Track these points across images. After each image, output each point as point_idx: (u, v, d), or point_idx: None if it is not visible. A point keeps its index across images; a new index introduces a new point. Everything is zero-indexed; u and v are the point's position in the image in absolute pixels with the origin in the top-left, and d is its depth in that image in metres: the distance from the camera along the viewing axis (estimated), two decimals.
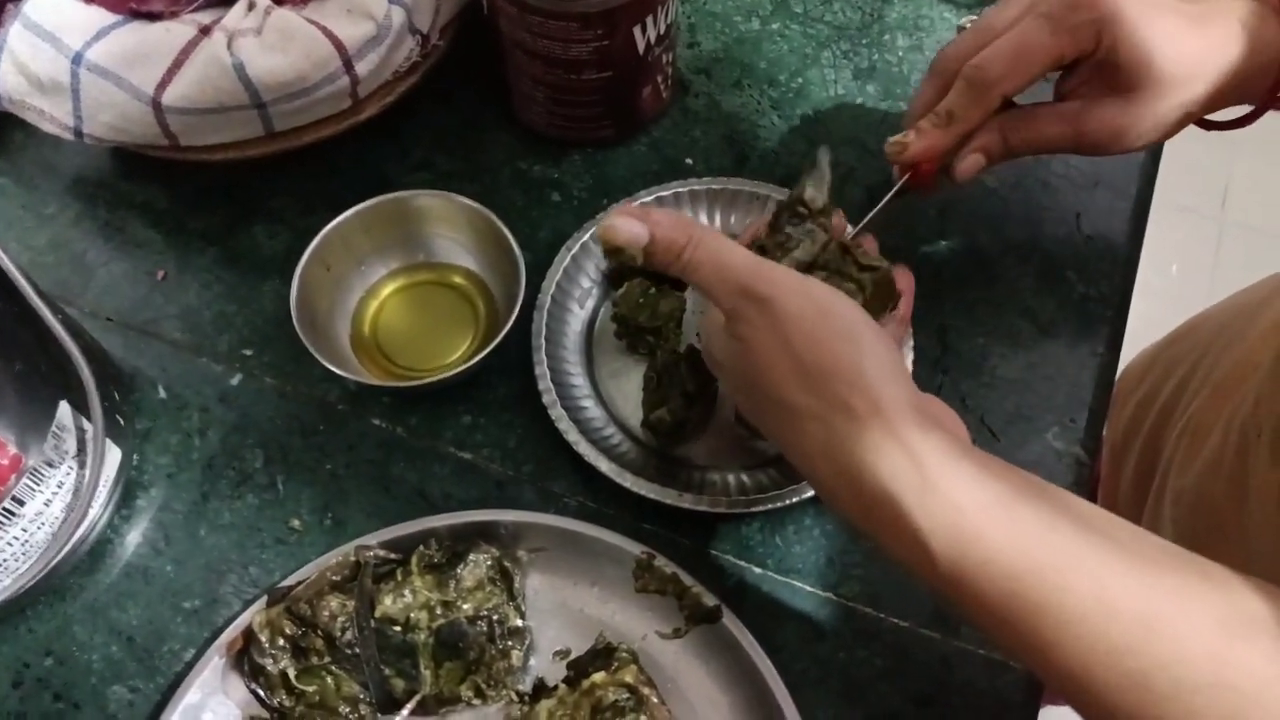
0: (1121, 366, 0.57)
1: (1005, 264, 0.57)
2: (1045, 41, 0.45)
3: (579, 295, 0.56)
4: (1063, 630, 0.33)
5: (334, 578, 0.46)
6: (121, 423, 0.50)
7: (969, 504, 0.35)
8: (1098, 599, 0.33)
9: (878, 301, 0.46)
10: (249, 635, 0.45)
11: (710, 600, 0.46)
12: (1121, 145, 0.47)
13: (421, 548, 0.47)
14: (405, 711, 0.45)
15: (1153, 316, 0.79)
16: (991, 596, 0.34)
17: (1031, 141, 0.48)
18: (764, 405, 0.39)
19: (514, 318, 0.51)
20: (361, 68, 0.54)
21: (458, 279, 0.56)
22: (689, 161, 0.61)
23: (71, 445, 0.47)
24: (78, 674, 0.48)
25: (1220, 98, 0.46)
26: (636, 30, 0.54)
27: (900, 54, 0.64)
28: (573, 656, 0.47)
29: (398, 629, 0.45)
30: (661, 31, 0.55)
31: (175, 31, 0.52)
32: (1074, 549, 0.34)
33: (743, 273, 0.39)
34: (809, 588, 0.49)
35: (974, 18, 0.64)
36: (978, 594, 0.34)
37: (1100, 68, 0.46)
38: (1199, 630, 0.32)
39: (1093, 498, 0.67)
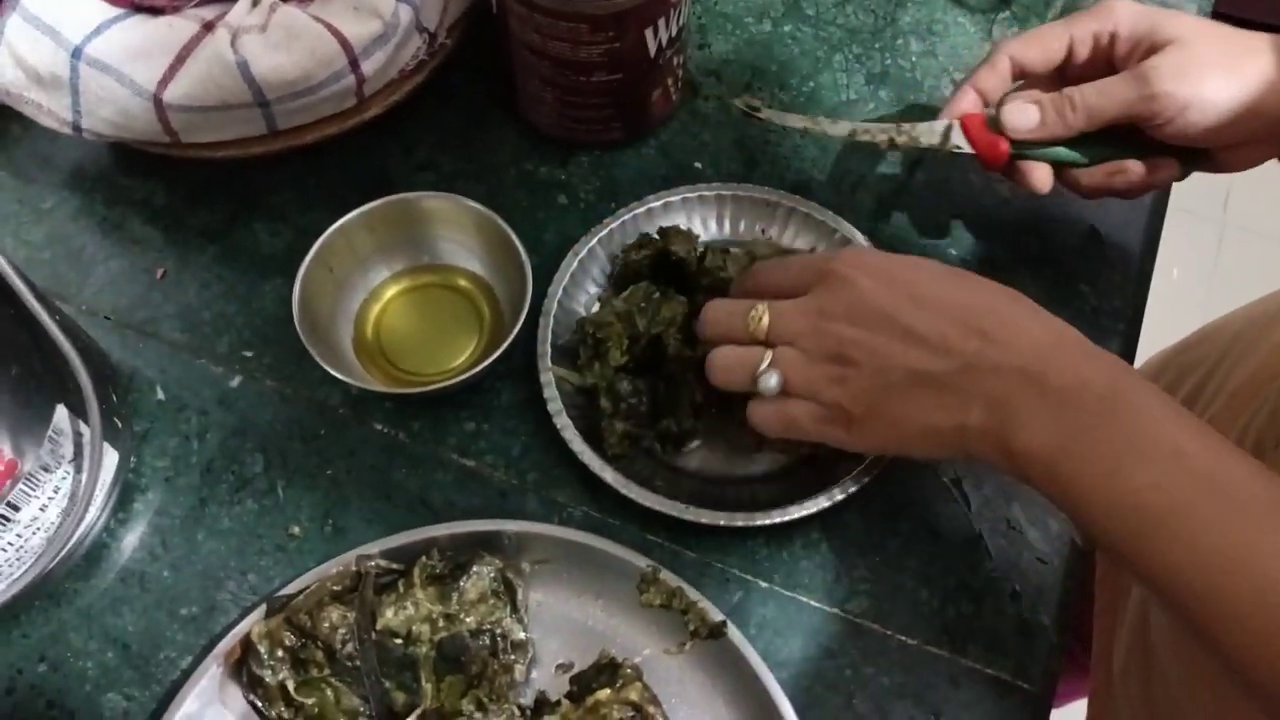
0: None
1: (1018, 275, 0.56)
2: (1056, 24, 0.49)
3: (585, 300, 0.55)
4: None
5: (334, 588, 0.45)
6: (119, 425, 0.49)
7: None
8: None
9: None
10: (247, 645, 0.45)
11: (715, 615, 0.46)
12: (1194, 114, 0.46)
13: (424, 558, 0.46)
14: None
15: (1153, 320, 0.79)
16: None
17: (1094, 103, 0.47)
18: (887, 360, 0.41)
19: (520, 323, 0.50)
20: (367, 66, 0.53)
21: (462, 282, 0.56)
22: (698, 165, 0.60)
23: (68, 449, 0.46)
24: (72, 681, 0.47)
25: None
26: (648, 32, 0.53)
27: (914, 59, 0.63)
28: (576, 671, 0.46)
29: (399, 641, 0.45)
30: (673, 34, 0.54)
31: (178, 27, 0.51)
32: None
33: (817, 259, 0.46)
34: (816, 603, 0.48)
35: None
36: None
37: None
38: None
39: None
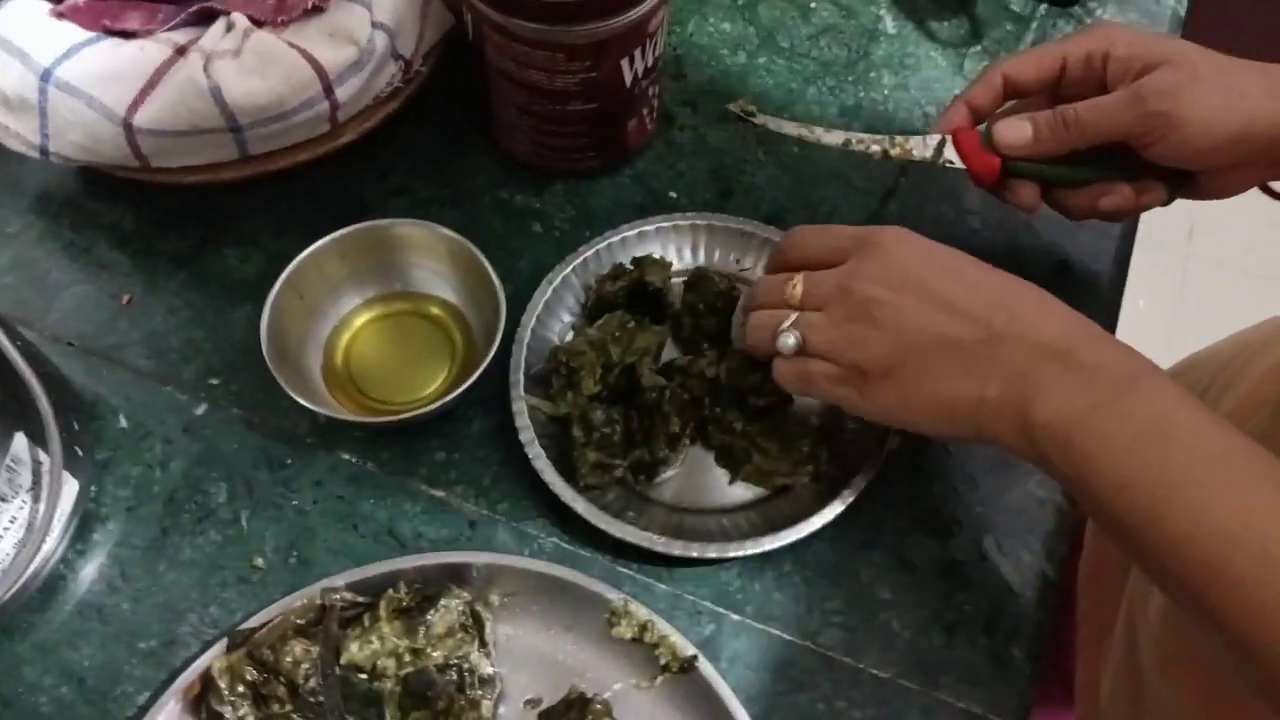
0: None
1: None
2: (1049, 44, 0.50)
3: (559, 329, 0.55)
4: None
5: (298, 621, 0.45)
6: (80, 454, 0.48)
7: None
8: None
9: None
10: (207, 681, 0.44)
11: (687, 649, 0.45)
12: (1188, 133, 0.46)
13: (390, 591, 0.45)
14: None
15: None
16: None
17: (1088, 120, 0.47)
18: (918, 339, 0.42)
19: (493, 351, 0.50)
20: (342, 93, 0.52)
21: (435, 310, 0.55)
22: (673, 195, 0.60)
23: (26, 478, 0.45)
24: (25, 717, 0.46)
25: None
26: (624, 62, 0.53)
27: (886, 92, 0.64)
28: (544, 706, 0.45)
29: (364, 677, 0.44)
30: (649, 64, 0.55)
31: (149, 51, 0.51)
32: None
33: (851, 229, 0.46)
34: (788, 636, 0.48)
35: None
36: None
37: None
38: None
39: (1079, 542, 0.66)
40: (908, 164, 0.54)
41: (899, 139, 0.53)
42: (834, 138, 0.53)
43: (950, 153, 0.51)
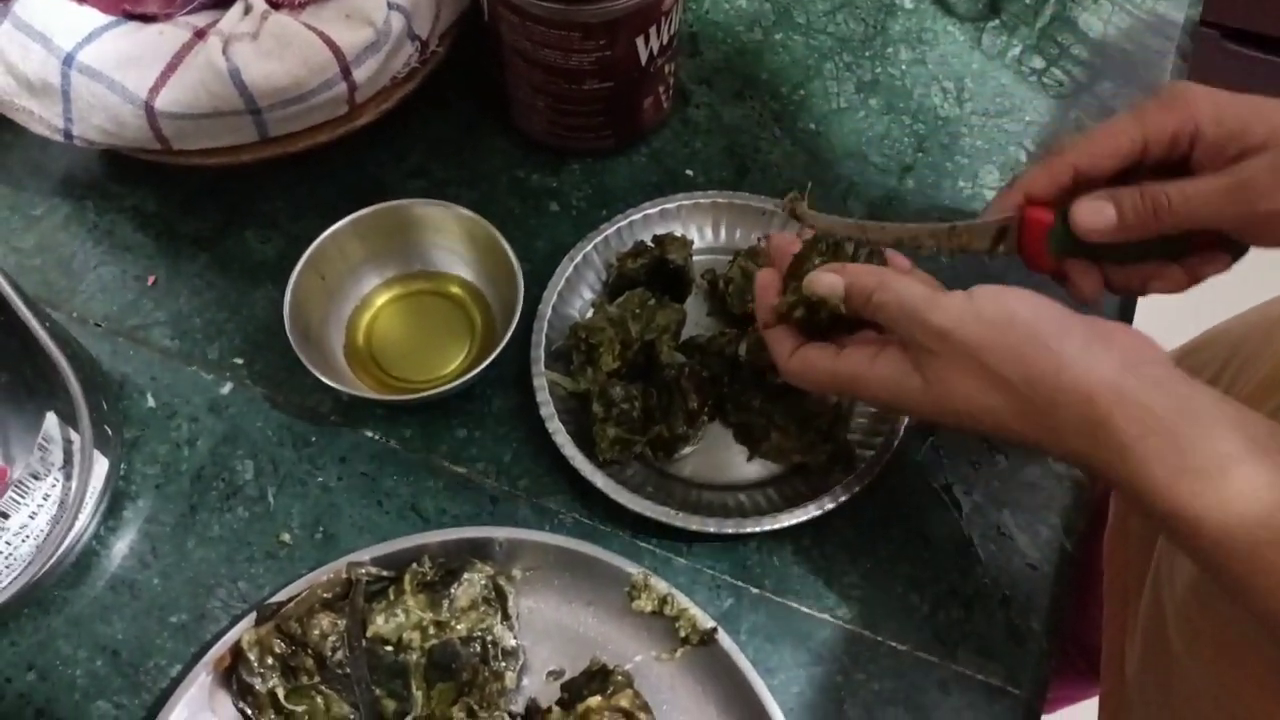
0: None
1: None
2: (1125, 121, 0.43)
3: (580, 306, 0.55)
4: None
5: (325, 595, 0.45)
6: (109, 433, 0.49)
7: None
8: None
9: None
10: (237, 653, 0.45)
11: (706, 622, 0.46)
12: None
13: (414, 565, 0.46)
14: None
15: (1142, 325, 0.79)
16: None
17: (1184, 210, 0.42)
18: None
19: (512, 329, 0.50)
20: (359, 74, 0.53)
21: (454, 289, 0.56)
22: (689, 173, 0.60)
23: (58, 457, 0.46)
24: (61, 689, 0.47)
25: None
26: (639, 40, 0.53)
27: (903, 67, 0.64)
28: (567, 678, 0.46)
29: (389, 649, 0.44)
30: (664, 42, 0.55)
31: (169, 35, 0.51)
32: None
33: (920, 304, 0.40)
34: (806, 609, 0.48)
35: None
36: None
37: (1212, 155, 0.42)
38: None
39: (1100, 517, 0.66)
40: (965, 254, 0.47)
41: (960, 227, 0.45)
42: (887, 235, 0.46)
43: (1011, 243, 0.44)
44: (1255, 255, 0.45)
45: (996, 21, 0.65)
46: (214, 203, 0.59)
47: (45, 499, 0.45)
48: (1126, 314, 0.56)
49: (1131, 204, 0.42)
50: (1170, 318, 0.73)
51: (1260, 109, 0.42)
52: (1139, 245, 0.43)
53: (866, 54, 0.64)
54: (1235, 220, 0.42)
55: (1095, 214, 0.43)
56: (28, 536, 0.45)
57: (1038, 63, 0.64)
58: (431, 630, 0.45)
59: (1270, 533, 0.34)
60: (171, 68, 0.51)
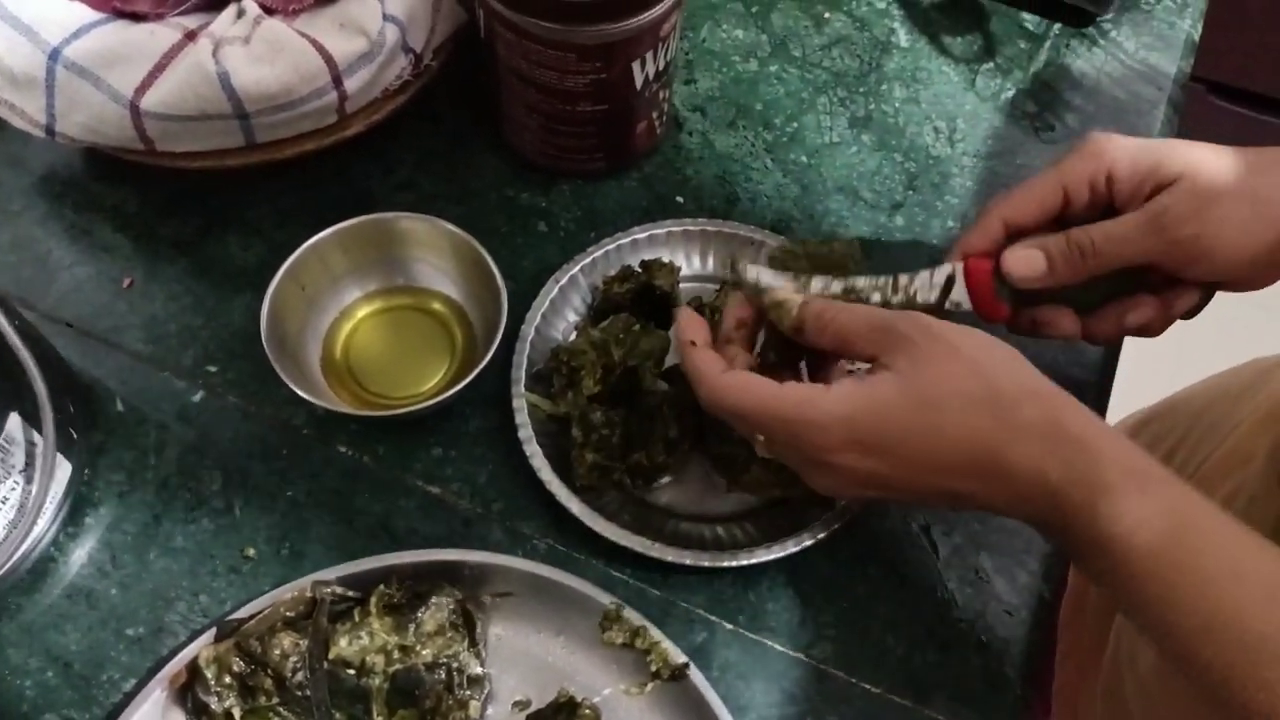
0: None
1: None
2: (1046, 173, 0.46)
3: (563, 329, 0.54)
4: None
5: (288, 614, 0.44)
6: (74, 436, 0.48)
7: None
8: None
9: None
10: (194, 670, 0.43)
11: (678, 656, 0.45)
12: (1219, 255, 0.42)
13: (382, 587, 0.45)
14: None
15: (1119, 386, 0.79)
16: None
17: (1106, 249, 0.43)
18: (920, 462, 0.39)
19: (493, 348, 0.49)
20: (351, 84, 0.52)
21: (436, 305, 0.55)
22: (679, 199, 0.60)
23: (19, 459, 0.45)
24: (9, 700, 0.45)
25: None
26: (635, 65, 0.53)
27: (897, 105, 0.64)
28: (533, 709, 0.45)
29: (352, 672, 0.43)
30: (660, 68, 0.54)
31: (159, 35, 0.51)
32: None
33: (878, 316, 0.40)
34: (780, 647, 0.48)
35: None
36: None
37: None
38: None
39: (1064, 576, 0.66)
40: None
41: (902, 281, 0.45)
42: (829, 292, 0.45)
43: (960, 293, 0.45)
44: (1248, 308, 0.45)
45: (991, 64, 0.66)
46: (197, 207, 0.58)
47: (4, 502, 0.44)
48: (1108, 369, 0.56)
49: (1059, 249, 0.44)
50: (1161, 368, 0.73)
51: (1174, 149, 0.44)
52: (1085, 288, 0.45)
53: (861, 90, 0.64)
54: (1158, 252, 0.43)
55: (1024, 261, 0.44)
56: None
57: (1030, 106, 0.64)
58: (396, 654, 0.44)
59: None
60: (160, 68, 0.50)
